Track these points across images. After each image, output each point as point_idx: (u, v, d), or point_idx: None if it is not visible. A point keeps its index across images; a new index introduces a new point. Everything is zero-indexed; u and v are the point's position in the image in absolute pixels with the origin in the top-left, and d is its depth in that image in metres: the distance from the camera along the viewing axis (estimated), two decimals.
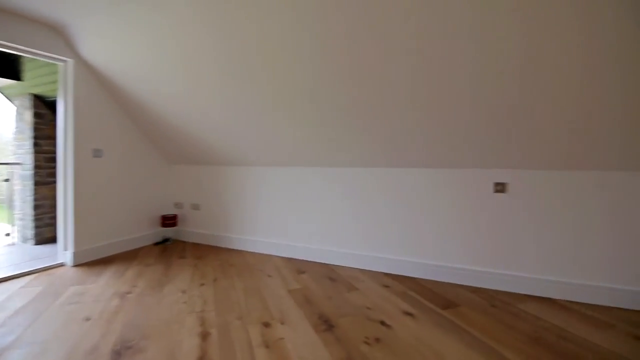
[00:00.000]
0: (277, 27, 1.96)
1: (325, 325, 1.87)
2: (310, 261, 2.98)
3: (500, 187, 2.34)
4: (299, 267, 2.84)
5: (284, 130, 2.69)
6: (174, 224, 3.62)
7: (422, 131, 2.28)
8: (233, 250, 3.34)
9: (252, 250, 3.29)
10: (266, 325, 1.87)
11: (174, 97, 2.78)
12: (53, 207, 3.42)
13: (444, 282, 2.50)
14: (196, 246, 3.49)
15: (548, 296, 2.26)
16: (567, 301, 2.20)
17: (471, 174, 2.43)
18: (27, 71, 3.36)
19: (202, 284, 2.45)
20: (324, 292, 2.32)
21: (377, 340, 1.72)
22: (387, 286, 2.43)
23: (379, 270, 2.73)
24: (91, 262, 2.90)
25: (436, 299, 2.22)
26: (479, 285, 2.42)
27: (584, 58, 1.64)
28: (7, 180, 3.80)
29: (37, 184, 3.44)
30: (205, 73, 2.44)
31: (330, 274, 2.68)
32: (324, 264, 2.92)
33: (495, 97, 1.93)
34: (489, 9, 1.59)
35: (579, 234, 2.19)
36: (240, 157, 3.22)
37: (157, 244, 3.55)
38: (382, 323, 1.89)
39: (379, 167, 2.71)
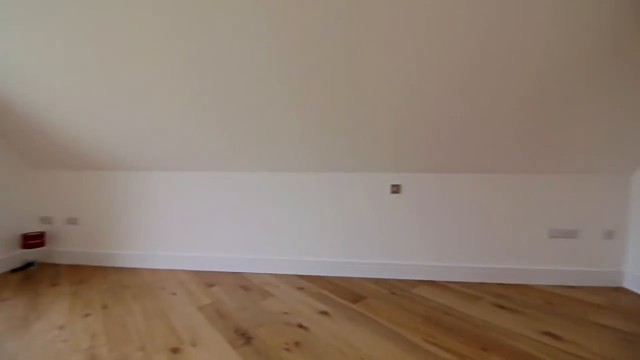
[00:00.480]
0: (186, 17, 1.79)
1: (243, 338, 1.80)
2: (221, 272, 2.82)
3: (395, 189, 2.65)
4: (208, 279, 2.65)
5: (186, 131, 2.47)
6: (40, 244, 2.93)
7: (325, 137, 2.41)
8: (126, 268, 2.91)
9: (150, 267, 2.92)
10: (175, 350, 1.69)
11: (38, 84, 2.25)
12: None
13: (351, 277, 2.69)
14: (74, 269, 2.91)
15: (433, 279, 2.66)
16: (447, 282, 2.63)
17: (372, 177, 2.68)
18: None
19: (87, 315, 2.06)
20: (238, 303, 2.23)
21: (297, 344, 1.74)
22: (301, 288, 2.48)
23: (293, 273, 2.76)
24: None
25: (347, 294, 2.38)
26: (380, 277, 2.69)
27: (461, 71, 1.99)
28: None
29: None
30: (85, 57, 2.05)
31: (243, 282, 2.59)
32: (236, 273, 2.80)
33: (390, 110, 2.18)
34: (385, 26, 1.77)
35: (455, 225, 2.65)
36: (132, 160, 2.82)
37: (15, 270, 2.82)
38: (300, 326, 1.93)
39: (286, 171, 2.74)
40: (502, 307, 2.21)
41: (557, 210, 2.59)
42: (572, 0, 1.59)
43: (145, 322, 1.97)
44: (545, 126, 2.22)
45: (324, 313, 2.09)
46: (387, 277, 2.69)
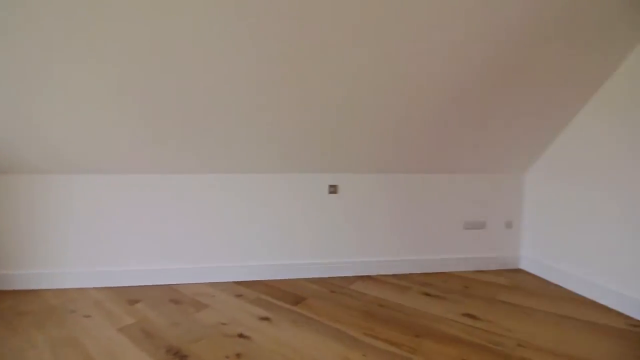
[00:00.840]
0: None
1: (176, 357, 1.64)
2: (146, 285, 2.54)
3: (333, 189, 2.71)
4: (131, 295, 2.37)
5: (100, 129, 2.17)
6: None
7: (261, 138, 2.36)
8: (22, 291, 2.42)
9: (55, 287, 2.48)
10: None
11: None
12: None
13: (291, 279, 2.67)
14: None
15: (368, 274, 2.79)
16: (381, 275, 2.79)
17: (310, 178, 2.70)
18: None
19: None
20: (169, 319, 2.04)
21: (238, 355, 1.66)
22: (240, 295, 2.37)
23: (230, 280, 2.63)
24: None
25: (287, 297, 2.35)
26: (320, 276, 2.73)
27: (392, 77, 2.12)
28: None
29: None
30: None
31: (173, 295, 2.37)
32: (164, 285, 2.55)
33: (326, 111, 2.23)
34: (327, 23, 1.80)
35: (386, 222, 2.82)
36: (33, 162, 2.36)
37: None
38: (241, 335, 1.84)
39: (218, 173, 2.59)
40: (428, 294, 2.43)
41: (470, 204, 2.94)
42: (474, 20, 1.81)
43: (53, 354, 1.67)
44: (460, 135, 2.51)
45: (265, 319, 2.03)
46: (326, 276, 2.74)
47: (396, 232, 2.84)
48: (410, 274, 2.83)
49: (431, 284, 2.63)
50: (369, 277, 2.75)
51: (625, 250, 2.14)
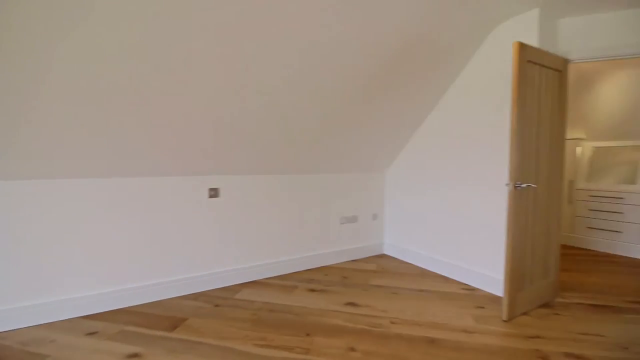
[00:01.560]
0: None
1: None
2: None
3: (214, 192, 2.47)
4: None
5: None
6: None
7: (121, 133, 1.95)
8: None
9: None
10: None
11: None
12: None
13: (164, 300, 2.30)
14: None
15: (253, 279, 2.69)
16: (267, 278, 2.73)
17: (186, 181, 2.38)
18: None
19: None
20: None
21: None
22: (94, 332, 1.87)
23: (76, 315, 2.04)
24: None
25: (161, 322, 2.01)
26: (201, 290, 2.45)
27: (276, 81, 2.07)
28: None
29: None
30: None
31: None
32: None
33: (206, 109, 2.01)
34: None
35: (269, 224, 2.77)
36: None
37: None
38: None
39: (64, 177, 2.00)
40: (313, 290, 2.51)
41: (344, 201, 3.20)
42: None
43: None
44: (334, 139, 2.71)
45: (134, 356, 1.67)
46: (208, 289, 2.47)
47: (278, 233, 2.83)
48: (294, 272, 2.87)
49: (314, 279, 2.73)
50: (255, 282, 2.64)
51: (434, 233, 2.73)
